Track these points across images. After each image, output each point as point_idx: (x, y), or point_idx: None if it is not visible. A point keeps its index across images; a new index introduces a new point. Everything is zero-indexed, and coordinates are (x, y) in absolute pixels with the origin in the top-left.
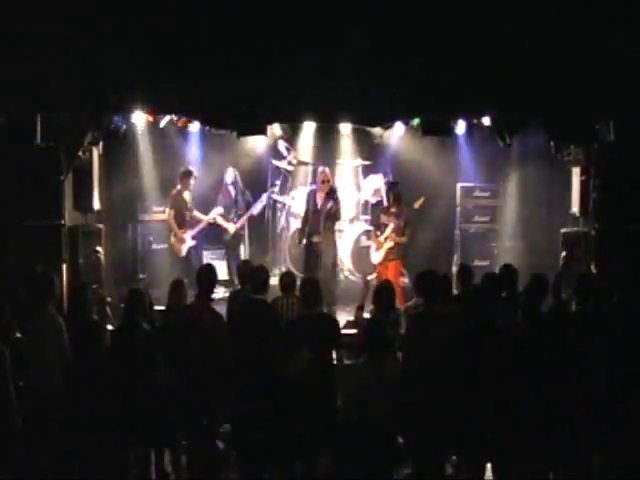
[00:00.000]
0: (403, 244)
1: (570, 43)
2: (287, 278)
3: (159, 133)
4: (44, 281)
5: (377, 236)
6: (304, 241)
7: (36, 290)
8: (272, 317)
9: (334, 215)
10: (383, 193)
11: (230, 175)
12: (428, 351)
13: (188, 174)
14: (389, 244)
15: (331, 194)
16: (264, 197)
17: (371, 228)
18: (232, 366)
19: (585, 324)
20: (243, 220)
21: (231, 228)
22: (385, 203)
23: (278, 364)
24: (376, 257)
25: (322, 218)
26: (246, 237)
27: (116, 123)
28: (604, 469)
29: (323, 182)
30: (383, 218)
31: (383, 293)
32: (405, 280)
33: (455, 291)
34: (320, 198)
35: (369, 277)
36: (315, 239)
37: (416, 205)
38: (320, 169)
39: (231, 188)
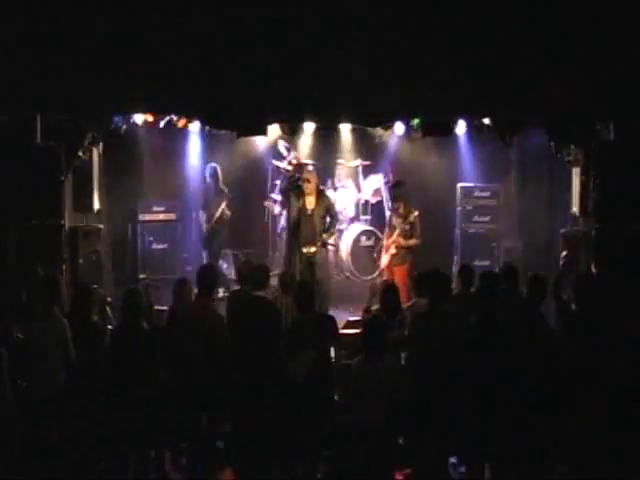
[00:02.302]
0: (412, 247)
1: (570, 43)
2: (287, 277)
3: (159, 133)
4: (50, 283)
5: (387, 238)
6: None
7: (41, 291)
8: (274, 315)
9: (331, 218)
10: (383, 193)
11: (210, 170)
12: (430, 351)
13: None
14: (393, 250)
15: (321, 196)
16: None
17: (371, 228)
18: (232, 366)
19: (584, 324)
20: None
21: (204, 226)
22: (386, 203)
23: (280, 363)
24: (383, 260)
25: (317, 225)
26: (214, 239)
27: (116, 123)
28: (604, 469)
29: (304, 181)
30: (394, 220)
31: (389, 294)
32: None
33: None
34: (310, 203)
35: (374, 276)
36: (309, 249)
37: (411, 218)
38: (305, 172)
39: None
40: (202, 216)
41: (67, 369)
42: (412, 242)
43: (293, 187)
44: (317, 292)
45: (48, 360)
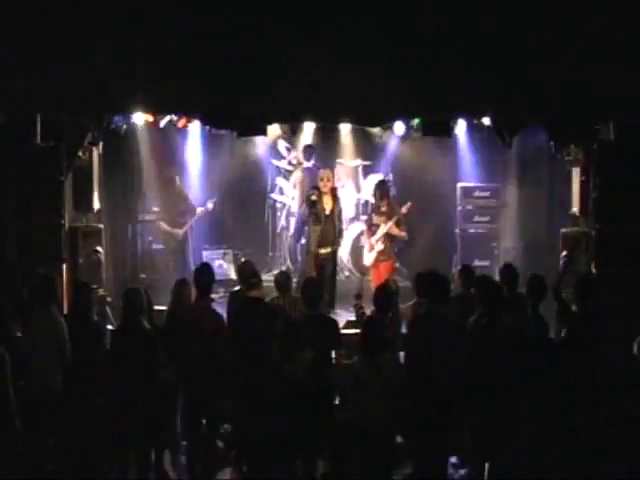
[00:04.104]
0: (400, 240)
1: (570, 43)
2: (282, 278)
3: (159, 133)
4: (46, 282)
5: (370, 236)
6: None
7: (38, 291)
8: (269, 314)
9: (340, 218)
10: None
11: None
12: (430, 351)
13: None
14: (380, 247)
15: (336, 196)
16: (209, 204)
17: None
18: (232, 366)
19: (585, 324)
20: (189, 225)
21: (179, 232)
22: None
23: (278, 363)
24: (368, 258)
25: (336, 226)
26: (189, 240)
27: (116, 123)
28: (604, 469)
29: (322, 180)
30: (375, 218)
31: (383, 293)
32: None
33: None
34: (327, 203)
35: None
36: (326, 250)
37: (403, 210)
38: (322, 171)
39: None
40: (164, 225)
41: (64, 369)
42: (403, 233)
43: (313, 194)
44: (327, 290)
45: (45, 359)
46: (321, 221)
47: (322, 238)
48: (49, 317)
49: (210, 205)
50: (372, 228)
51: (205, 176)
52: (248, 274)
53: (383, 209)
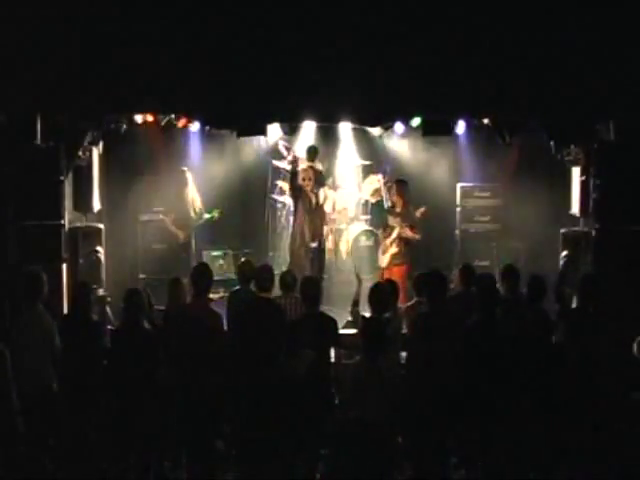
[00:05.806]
0: (414, 241)
1: (570, 43)
2: (288, 277)
3: (159, 133)
4: (32, 279)
5: (385, 238)
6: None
7: (25, 288)
8: (280, 315)
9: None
10: (383, 193)
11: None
12: (430, 351)
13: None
14: (394, 249)
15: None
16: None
17: (370, 228)
18: (231, 366)
19: (587, 324)
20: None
21: (181, 235)
22: (386, 202)
23: (280, 363)
24: (382, 260)
25: (322, 218)
26: (192, 242)
27: (116, 123)
28: (604, 470)
29: (304, 180)
30: (390, 219)
31: (376, 292)
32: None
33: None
34: (312, 197)
35: (363, 276)
36: (314, 244)
37: (418, 214)
38: (302, 168)
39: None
40: (167, 220)
41: (55, 366)
42: (417, 236)
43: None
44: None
45: (34, 355)
46: (309, 213)
47: (311, 230)
48: (36, 314)
49: (216, 215)
50: (387, 230)
51: (205, 176)
52: (264, 276)
53: (398, 210)
